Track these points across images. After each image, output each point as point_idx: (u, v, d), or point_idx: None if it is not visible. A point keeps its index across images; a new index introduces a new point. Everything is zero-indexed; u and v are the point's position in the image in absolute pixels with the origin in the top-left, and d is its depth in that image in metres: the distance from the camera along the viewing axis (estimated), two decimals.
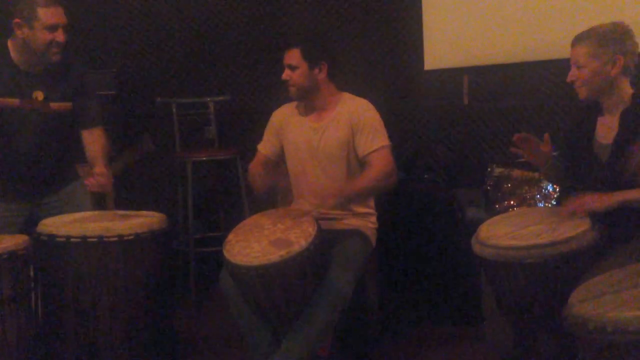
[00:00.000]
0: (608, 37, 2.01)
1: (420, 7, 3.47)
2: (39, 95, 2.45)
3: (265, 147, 2.61)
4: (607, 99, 2.06)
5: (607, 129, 2.09)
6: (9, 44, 2.43)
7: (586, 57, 2.03)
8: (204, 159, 3.49)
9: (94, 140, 2.55)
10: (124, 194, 3.60)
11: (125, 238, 2.24)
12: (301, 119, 2.54)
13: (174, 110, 3.63)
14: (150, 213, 2.44)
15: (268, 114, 2.66)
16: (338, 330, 2.38)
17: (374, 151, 2.40)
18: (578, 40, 2.06)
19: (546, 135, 2.16)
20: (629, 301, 1.54)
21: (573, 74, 2.08)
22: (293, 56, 2.43)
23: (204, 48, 3.80)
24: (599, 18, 2.14)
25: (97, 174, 2.43)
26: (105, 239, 2.22)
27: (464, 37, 3.46)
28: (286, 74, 2.45)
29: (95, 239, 2.22)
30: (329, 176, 2.47)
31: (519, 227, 2.06)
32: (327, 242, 2.26)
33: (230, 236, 2.27)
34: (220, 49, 3.78)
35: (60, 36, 2.37)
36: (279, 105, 2.65)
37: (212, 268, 2.54)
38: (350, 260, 2.31)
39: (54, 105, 2.48)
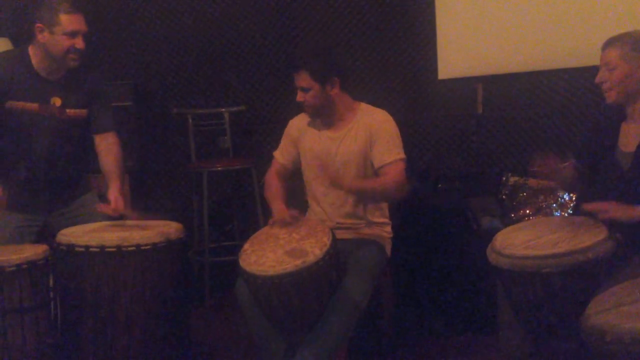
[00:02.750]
0: None
1: (434, 16, 3.48)
2: (57, 101, 2.50)
3: (281, 155, 2.62)
4: (633, 104, 2.05)
5: (630, 136, 2.07)
6: (30, 50, 2.48)
7: (618, 59, 2.02)
8: (219, 169, 3.52)
9: (107, 148, 2.57)
10: (142, 204, 3.65)
11: (143, 247, 2.26)
12: (318, 127, 2.55)
13: (190, 120, 3.67)
14: (167, 223, 2.46)
15: (283, 124, 2.68)
16: (353, 339, 2.38)
17: (388, 164, 2.40)
18: (611, 42, 2.05)
19: (570, 162, 2.14)
20: None
21: (603, 76, 2.06)
22: (302, 79, 2.41)
23: (219, 59, 3.83)
24: (613, 28, 2.14)
25: (112, 200, 2.45)
26: (123, 249, 2.24)
27: (478, 46, 3.46)
28: (300, 96, 2.44)
29: (113, 249, 2.24)
30: None
31: (535, 237, 2.05)
32: (342, 251, 2.26)
33: (246, 245, 2.28)
34: (236, 60, 3.81)
35: (79, 43, 2.42)
36: (293, 116, 2.67)
37: (227, 277, 2.56)
38: (365, 269, 2.31)
39: (70, 111, 2.52)
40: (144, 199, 3.73)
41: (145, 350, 2.31)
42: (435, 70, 3.52)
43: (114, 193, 2.48)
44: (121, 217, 2.48)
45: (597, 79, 2.08)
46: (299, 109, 2.63)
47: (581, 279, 1.88)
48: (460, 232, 3.03)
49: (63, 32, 2.39)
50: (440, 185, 3.31)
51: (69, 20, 2.39)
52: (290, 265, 2.09)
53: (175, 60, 3.86)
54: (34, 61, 2.47)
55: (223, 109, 3.70)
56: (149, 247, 2.27)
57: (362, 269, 2.30)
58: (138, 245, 2.26)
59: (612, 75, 2.03)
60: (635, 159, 2.02)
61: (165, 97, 3.87)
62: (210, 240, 3.48)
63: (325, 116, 2.52)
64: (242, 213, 3.79)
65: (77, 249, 2.25)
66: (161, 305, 2.34)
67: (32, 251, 2.28)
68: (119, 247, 2.24)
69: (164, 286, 2.34)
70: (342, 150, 2.47)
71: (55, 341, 2.31)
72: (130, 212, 2.49)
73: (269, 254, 2.18)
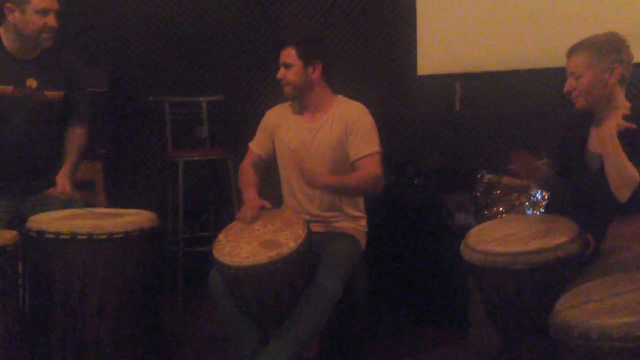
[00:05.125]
0: (605, 47, 2.02)
1: (414, 13, 3.49)
2: (33, 82, 2.45)
3: (257, 146, 2.62)
4: (603, 108, 2.06)
5: (600, 137, 2.10)
6: (1, 30, 2.42)
7: (584, 66, 2.03)
8: (196, 158, 3.49)
9: (73, 138, 2.59)
10: (115, 193, 3.60)
11: (115, 236, 2.24)
12: (295, 119, 2.54)
13: (167, 109, 3.63)
14: (140, 211, 2.44)
15: (261, 115, 2.67)
16: (325, 332, 2.38)
17: (364, 157, 2.41)
18: (575, 50, 2.06)
19: (546, 160, 2.18)
20: (614, 309, 1.56)
21: (570, 84, 2.08)
22: (288, 55, 2.44)
23: (198, 47, 3.79)
24: (591, 27, 2.16)
25: (58, 184, 2.49)
26: (94, 237, 2.22)
27: (457, 43, 3.48)
28: (281, 73, 2.47)
29: (84, 236, 2.21)
30: None
31: (508, 234, 2.08)
32: (316, 244, 2.27)
33: (221, 236, 2.27)
34: (214, 49, 3.78)
35: (52, 21, 2.37)
36: (272, 106, 2.66)
37: (202, 268, 2.54)
38: (339, 263, 2.32)
39: (48, 93, 2.48)
40: (119, 187, 3.69)
41: (115, 340, 2.29)
42: (414, 66, 3.53)
43: (61, 177, 2.51)
44: (71, 201, 2.49)
45: (566, 88, 2.10)
46: (277, 100, 2.62)
47: (551, 276, 1.91)
48: (435, 228, 3.05)
49: (34, 10, 2.34)
50: (416, 181, 3.32)
51: None
52: (264, 256, 2.09)
53: (154, 48, 3.82)
54: (5, 42, 2.42)
55: (201, 98, 3.67)
56: (121, 235, 2.25)
57: (336, 262, 2.31)
58: (110, 234, 2.23)
59: (579, 83, 2.05)
60: (603, 161, 2.05)
61: (142, 84, 3.82)
62: (185, 231, 3.46)
63: (302, 101, 2.52)
64: (218, 204, 3.76)
65: (47, 235, 2.22)
66: (133, 295, 2.32)
67: (1, 237, 2.23)
68: (90, 234, 2.22)
69: (136, 275, 2.32)
70: (318, 142, 2.47)
71: (22, 328, 2.27)
72: (78, 196, 2.52)
73: (244, 245, 2.17)
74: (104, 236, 2.23)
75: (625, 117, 2.00)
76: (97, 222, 2.28)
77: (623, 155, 1.89)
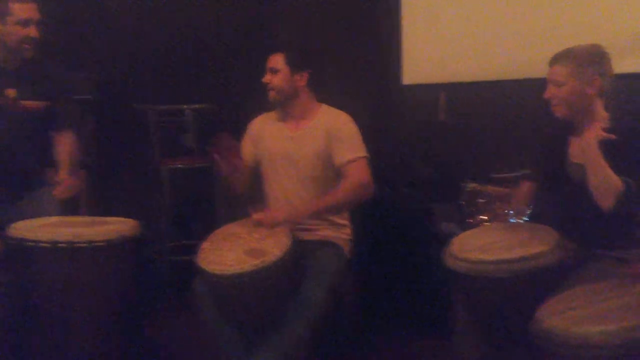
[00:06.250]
0: (588, 58, 2.05)
1: (399, 23, 3.52)
2: (11, 92, 2.43)
3: (243, 156, 2.61)
4: (582, 119, 2.08)
5: (581, 148, 2.12)
6: None
7: (566, 75, 2.05)
8: (181, 166, 3.47)
9: (62, 144, 2.57)
10: (100, 201, 3.57)
11: (96, 244, 2.22)
12: (279, 127, 2.54)
13: (152, 117, 3.62)
14: (123, 219, 2.42)
15: (247, 123, 2.67)
16: (313, 342, 2.37)
17: (350, 161, 2.40)
18: (557, 59, 2.08)
19: (524, 184, 2.24)
20: (594, 316, 1.57)
21: (551, 92, 2.10)
22: (276, 60, 2.45)
23: (184, 56, 3.79)
24: (574, 39, 2.18)
25: (59, 180, 2.46)
26: (75, 245, 2.19)
27: (443, 54, 3.51)
28: (267, 78, 2.47)
29: (65, 244, 2.19)
30: (304, 186, 2.47)
31: (490, 242, 2.09)
32: (302, 253, 2.26)
33: (205, 244, 2.26)
34: (201, 57, 3.78)
35: (33, 32, 2.37)
36: (258, 115, 2.66)
37: (187, 276, 2.53)
38: (324, 272, 2.31)
39: (26, 103, 2.46)
40: (104, 195, 3.66)
41: (97, 350, 2.27)
42: (399, 76, 3.55)
43: (62, 175, 2.50)
44: (78, 205, 2.46)
45: (546, 95, 2.12)
46: (263, 108, 2.62)
47: (533, 284, 1.92)
48: (421, 237, 3.06)
49: (15, 21, 2.34)
50: (402, 190, 3.33)
51: (20, 9, 2.34)
52: (248, 265, 2.07)
53: (141, 55, 3.80)
54: None
55: (186, 106, 3.66)
56: (103, 243, 2.23)
57: (321, 271, 2.30)
58: (91, 242, 2.21)
59: (560, 92, 2.07)
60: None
61: (128, 92, 3.80)
62: (170, 239, 3.44)
63: (286, 109, 2.52)
64: (204, 212, 3.75)
65: (27, 243, 2.20)
66: (115, 304, 2.30)
67: None
68: (71, 242, 2.19)
69: (118, 284, 2.31)
70: (301, 150, 2.47)
71: (2, 337, 2.24)
72: (85, 197, 2.50)
73: (228, 253, 2.16)
74: (84, 244, 2.20)
75: (604, 129, 2.02)
76: (79, 230, 2.26)
77: (605, 164, 1.91)
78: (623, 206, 1.91)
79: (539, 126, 3.20)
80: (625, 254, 2.01)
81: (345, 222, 2.56)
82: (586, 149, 1.96)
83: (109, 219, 2.43)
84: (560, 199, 2.18)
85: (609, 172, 1.90)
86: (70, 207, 2.67)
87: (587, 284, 1.80)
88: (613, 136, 1.91)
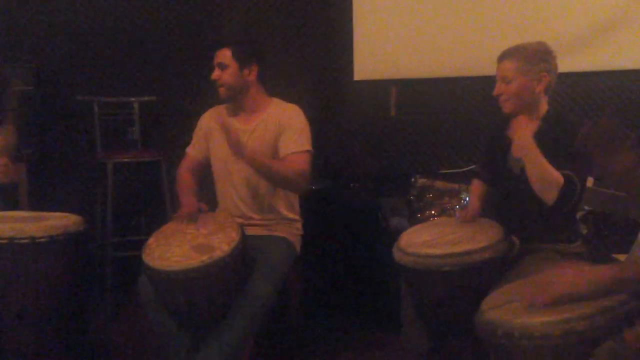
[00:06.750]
0: (536, 55, 2.09)
1: (351, 19, 3.53)
2: None
3: (194, 150, 2.58)
4: (527, 115, 2.13)
5: (517, 143, 2.17)
6: None
7: (514, 72, 2.09)
8: (126, 160, 3.39)
9: (1, 135, 2.48)
10: (41, 196, 3.44)
11: (38, 240, 2.16)
12: (230, 121, 2.51)
13: (96, 109, 3.51)
14: (66, 215, 2.36)
15: (194, 116, 2.62)
16: (259, 337, 2.36)
17: (294, 153, 2.40)
18: (506, 55, 2.12)
19: (477, 184, 2.31)
20: (535, 308, 1.61)
21: (500, 88, 2.13)
22: (224, 55, 2.42)
23: (130, 46, 3.69)
24: (522, 37, 2.22)
25: None
26: (16, 241, 2.13)
27: (394, 50, 3.55)
28: (216, 74, 2.43)
29: (5, 240, 2.13)
30: (254, 179, 2.45)
31: (438, 236, 2.13)
32: (251, 248, 2.24)
33: (151, 240, 2.21)
34: (147, 49, 3.68)
35: None
36: (206, 108, 2.62)
37: (132, 273, 2.47)
38: (273, 267, 2.30)
39: None
40: (44, 190, 3.52)
41: (38, 347, 2.21)
42: (351, 72, 3.57)
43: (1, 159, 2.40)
44: (17, 199, 2.36)
45: (495, 92, 2.16)
46: (211, 102, 2.58)
47: (479, 277, 1.97)
48: (370, 232, 3.09)
49: None
50: (352, 185, 3.35)
51: None
52: (196, 260, 2.04)
53: (83, 45, 3.67)
54: None
55: (132, 99, 3.56)
56: (45, 239, 2.18)
57: (270, 267, 2.29)
58: (33, 238, 2.16)
59: (508, 88, 2.11)
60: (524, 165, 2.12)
61: (70, 83, 3.67)
62: (115, 235, 3.34)
63: (237, 103, 2.50)
64: (150, 207, 3.66)
65: None
66: (57, 301, 2.25)
67: None
68: (12, 239, 2.13)
69: (61, 280, 2.25)
70: (252, 144, 2.45)
71: None
72: (25, 190, 2.36)
73: (175, 248, 2.12)
74: (26, 240, 2.14)
75: (543, 121, 2.08)
76: (19, 225, 2.19)
77: (542, 158, 1.96)
78: (565, 200, 1.96)
79: (489, 122, 3.29)
80: (565, 247, 2.09)
81: (296, 217, 2.56)
82: (522, 143, 2.01)
83: (51, 214, 2.37)
84: (504, 194, 2.23)
85: (547, 166, 1.95)
86: (10, 202, 2.57)
87: (528, 277, 1.85)
88: (541, 126, 1.95)
